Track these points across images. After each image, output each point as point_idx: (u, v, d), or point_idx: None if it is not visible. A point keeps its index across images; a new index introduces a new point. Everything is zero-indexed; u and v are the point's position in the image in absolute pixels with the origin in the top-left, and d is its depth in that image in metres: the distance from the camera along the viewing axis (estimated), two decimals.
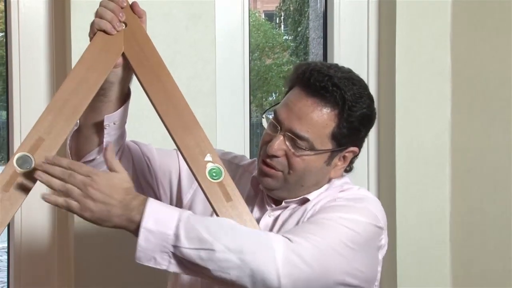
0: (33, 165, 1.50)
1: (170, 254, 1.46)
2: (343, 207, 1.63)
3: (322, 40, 2.74)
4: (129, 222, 1.47)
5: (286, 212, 1.71)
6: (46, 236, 2.37)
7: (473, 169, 2.50)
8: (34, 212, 2.33)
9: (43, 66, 2.34)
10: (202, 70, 2.35)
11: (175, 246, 1.45)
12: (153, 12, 2.25)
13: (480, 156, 2.47)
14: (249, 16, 2.51)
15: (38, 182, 1.49)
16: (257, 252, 1.46)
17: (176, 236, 1.45)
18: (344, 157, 1.70)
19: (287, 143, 1.63)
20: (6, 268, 2.48)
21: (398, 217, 2.51)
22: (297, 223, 1.66)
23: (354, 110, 1.63)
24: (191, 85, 2.33)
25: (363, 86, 1.68)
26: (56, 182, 1.48)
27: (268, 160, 1.66)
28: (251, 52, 2.55)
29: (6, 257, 2.53)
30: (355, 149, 1.70)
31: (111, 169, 1.51)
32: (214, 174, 1.60)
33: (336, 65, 1.71)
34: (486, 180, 2.45)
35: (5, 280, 2.49)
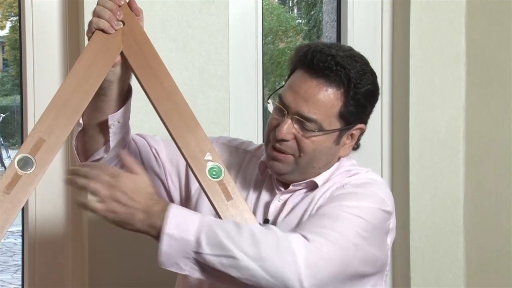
0: (34, 167, 1.49)
1: (193, 260, 1.46)
2: (352, 194, 1.64)
3: (335, 23, 2.72)
4: (151, 227, 1.48)
5: (297, 197, 1.71)
6: (60, 221, 2.38)
7: (487, 152, 2.49)
8: (49, 197, 2.34)
9: (56, 51, 2.34)
10: (215, 54, 2.34)
11: (197, 252, 1.45)
12: None
13: (494, 139, 2.46)
14: (262, 0, 2.50)
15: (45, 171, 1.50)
16: (278, 258, 1.46)
17: (198, 243, 1.45)
18: (351, 135, 1.71)
19: (296, 126, 1.63)
20: (21, 251, 2.49)
21: (412, 201, 2.50)
22: (306, 210, 1.67)
23: (359, 87, 1.64)
24: (204, 69, 2.33)
25: (365, 63, 1.68)
26: (80, 180, 1.49)
27: (277, 145, 1.65)
28: (264, 36, 2.54)
29: (20, 240, 2.55)
30: (362, 126, 1.71)
31: (132, 172, 1.51)
32: (214, 173, 1.61)
33: (337, 44, 1.72)
34: (500, 163, 2.44)
35: (20, 263, 2.51)
